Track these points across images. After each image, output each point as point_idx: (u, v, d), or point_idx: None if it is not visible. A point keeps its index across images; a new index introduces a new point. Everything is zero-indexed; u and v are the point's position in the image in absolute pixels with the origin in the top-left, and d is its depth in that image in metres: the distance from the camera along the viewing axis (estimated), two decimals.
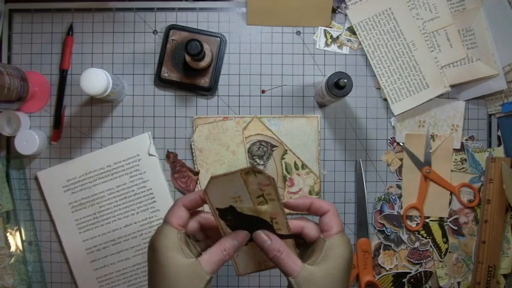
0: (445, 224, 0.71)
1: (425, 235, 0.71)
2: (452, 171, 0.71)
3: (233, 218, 0.45)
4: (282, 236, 0.45)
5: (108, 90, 0.62)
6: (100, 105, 0.72)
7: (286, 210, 0.44)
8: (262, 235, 0.44)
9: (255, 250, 0.48)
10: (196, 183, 0.71)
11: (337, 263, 0.43)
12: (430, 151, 0.71)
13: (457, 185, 0.71)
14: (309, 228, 0.45)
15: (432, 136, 0.71)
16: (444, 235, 0.71)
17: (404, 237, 0.71)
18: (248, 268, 0.49)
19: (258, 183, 0.43)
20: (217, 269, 0.44)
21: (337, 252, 0.43)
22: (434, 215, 0.71)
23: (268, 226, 0.45)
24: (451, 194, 0.71)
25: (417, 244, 0.71)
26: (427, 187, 0.71)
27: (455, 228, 0.71)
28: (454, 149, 0.71)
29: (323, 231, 0.44)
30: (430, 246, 0.71)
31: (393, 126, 0.72)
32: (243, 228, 0.45)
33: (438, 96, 0.70)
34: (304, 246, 0.47)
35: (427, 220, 0.71)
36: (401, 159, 0.72)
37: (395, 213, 0.71)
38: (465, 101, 0.71)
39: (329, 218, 0.45)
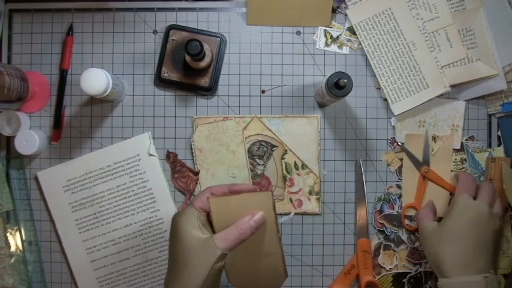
0: None
1: None
2: (452, 171, 0.71)
3: None
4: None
5: (108, 90, 0.62)
6: (100, 105, 0.72)
7: None
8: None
9: (251, 266, 0.51)
10: (196, 183, 0.71)
11: (453, 222, 0.58)
12: (432, 153, 0.71)
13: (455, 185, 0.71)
14: (460, 181, 0.63)
15: (434, 137, 0.71)
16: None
17: (404, 237, 0.71)
18: (237, 280, 0.52)
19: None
20: (230, 247, 0.47)
21: (455, 211, 0.59)
22: None
23: None
24: (450, 194, 0.71)
25: (417, 244, 0.71)
26: (426, 187, 0.71)
27: None
28: (454, 149, 0.71)
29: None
30: None
31: (393, 126, 0.72)
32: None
33: (438, 96, 0.70)
34: None
35: None
36: (401, 159, 0.72)
37: (395, 213, 0.71)
38: (465, 101, 0.71)
39: (461, 181, 0.63)
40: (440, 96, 0.70)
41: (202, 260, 0.46)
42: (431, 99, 0.69)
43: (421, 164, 0.71)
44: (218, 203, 0.49)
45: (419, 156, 0.71)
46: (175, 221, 0.49)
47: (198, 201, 0.50)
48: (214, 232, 0.49)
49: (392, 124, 0.72)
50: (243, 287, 0.53)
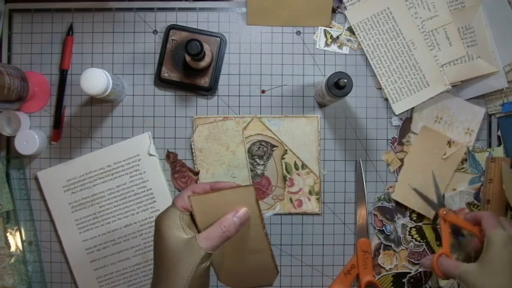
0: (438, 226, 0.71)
1: (419, 239, 0.71)
2: (455, 171, 0.71)
3: None
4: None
5: (108, 90, 0.62)
6: (100, 105, 0.72)
7: None
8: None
9: (240, 264, 0.50)
10: (196, 183, 0.71)
11: (495, 256, 0.52)
12: (444, 157, 0.70)
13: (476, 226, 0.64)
14: (485, 220, 0.57)
15: (449, 142, 0.71)
16: (438, 238, 0.71)
17: (400, 235, 0.71)
18: (227, 279, 0.51)
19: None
20: (215, 246, 0.46)
21: (494, 246, 0.53)
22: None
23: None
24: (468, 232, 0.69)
25: (411, 245, 0.71)
26: (450, 229, 0.64)
27: (455, 228, 0.71)
28: None
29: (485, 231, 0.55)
30: (424, 249, 0.71)
31: (407, 123, 0.72)
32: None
33: (463, 98, 0.70)
34: None
35: (420, 223, 0.71)
36: (401, 159, 0.72)
37: (390, 207, 0.71)
38: (465, 100, 0.71)
39: (485, 219, 0.56)
40: (465, 98, 0.71)
41: (186, 262, 0.44)
42: (432, 97, 0.70)
43: (438, 206, 0.66)
44: (200, 201, 0.47)
45: (433, 198, 0.67)
46: (157, 222, 0.48)
47: (180, 200, 0.49)
48: (199, 232, 0.48)
49: (394, 124, 0.72)
50: (233, 285, 0.53)
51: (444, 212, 0.63)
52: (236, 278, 0.52)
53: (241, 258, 0.51)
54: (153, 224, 0.70)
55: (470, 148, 0.71)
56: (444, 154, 0.70)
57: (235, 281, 0.52)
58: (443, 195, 0.71)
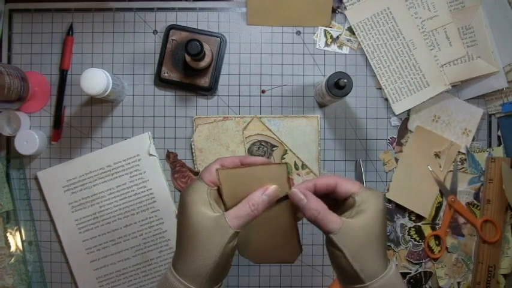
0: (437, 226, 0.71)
1: (418, 238, 0.71)
2: (451, 171, 0.71)
3: None
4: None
5: (108, 90, 0.62)
6: (100, 105, 0.72)
7: None
8: (299, 194, 0.44)
9: (264, 240, 0.48)
10: None
11: (372, 214, 0.43)
12: (441, 169, 0.70)
13: (479, 219, 0.70)
14: (342, 184, 0.45)
15: (436, 154, 0.71)
16: (437, 238, 0.71)
17: (399, 234, 0.71)
18: (249, 253, 0.49)
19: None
20: (242, 224, 0.43)
21: (370, 205, 0.43)
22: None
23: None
24: (470, 223, 0.71)
25: (410, 245, 0.71)
26: (451, 215, 0.71)
27: (455, 228, 0.71)
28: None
29: (349, 194, 0.44)
30: (423, 249, 0.71)
31: (393, 126, 0.72)
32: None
33: (463, 98, 0.70)
34: (335, 207, 0.46)
35: (419, 223, 0.71)
36: (398, 160, 0.71)
37: (390, 207, 0.71)
38: (465, 100, 0.71)
39: (345, 184, 0.45)
40: (464, 98, 0.71)
41: (214, 241, 0.42)
42: (432, 97, 0.70)
43: (449, 192, 0.70)
44: (228, 176, 0.45)
45: (447, 184, 0.71)
46: (184, 197, 0.45)
47: (208, 174, 0.45)
48: (225, 206, 0.46)
49: (393, 124, 0.72)
50: (254, 259, 0.51)
51: (452, 200, 0.70)
52: (257, 252, 0.50)
53: (265, 234, 0.49)
54: (153, 224, 0.70)
55: (468, 147, 0.71)
56: (440, 167, 0.70)
57: (256, 255, 0.51)
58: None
